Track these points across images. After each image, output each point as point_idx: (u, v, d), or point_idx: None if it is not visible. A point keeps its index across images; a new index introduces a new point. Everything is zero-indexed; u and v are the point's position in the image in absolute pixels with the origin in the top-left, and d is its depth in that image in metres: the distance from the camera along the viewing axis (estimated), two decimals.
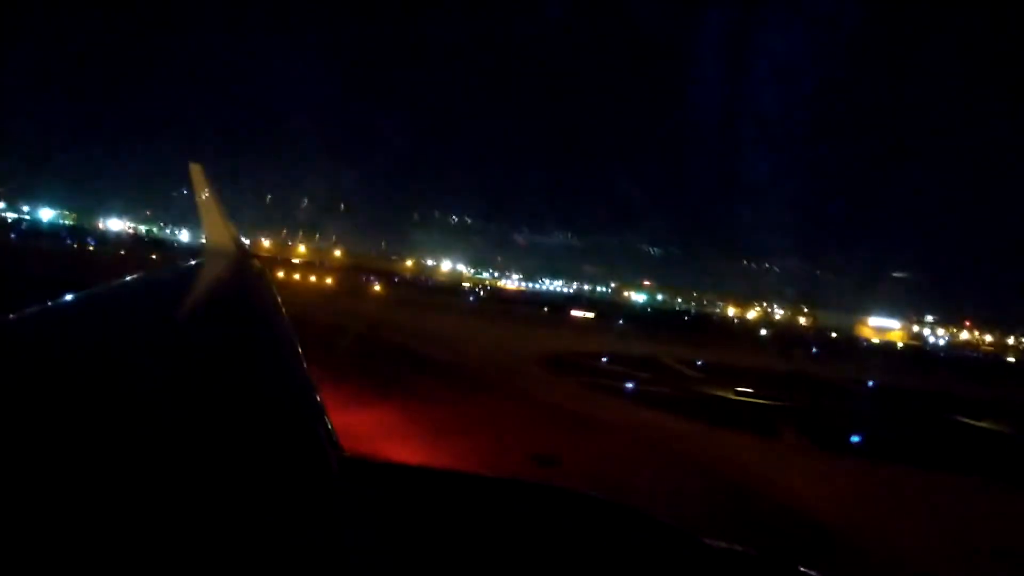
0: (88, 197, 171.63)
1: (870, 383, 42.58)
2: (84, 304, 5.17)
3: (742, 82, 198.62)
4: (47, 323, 4.21)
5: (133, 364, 3.71)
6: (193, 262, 13.32)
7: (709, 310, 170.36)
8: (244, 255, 14.95)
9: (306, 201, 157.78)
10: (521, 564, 2.12)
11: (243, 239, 17.70)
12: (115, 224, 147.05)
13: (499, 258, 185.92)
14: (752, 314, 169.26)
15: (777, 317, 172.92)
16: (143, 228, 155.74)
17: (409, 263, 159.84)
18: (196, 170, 15.24)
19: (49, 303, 4.53)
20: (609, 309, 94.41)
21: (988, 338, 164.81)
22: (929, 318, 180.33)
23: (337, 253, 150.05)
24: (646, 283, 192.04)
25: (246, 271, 12.35)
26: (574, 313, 77.47)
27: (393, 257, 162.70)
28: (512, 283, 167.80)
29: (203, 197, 14.79)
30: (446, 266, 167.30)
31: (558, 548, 2.23)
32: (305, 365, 4.39)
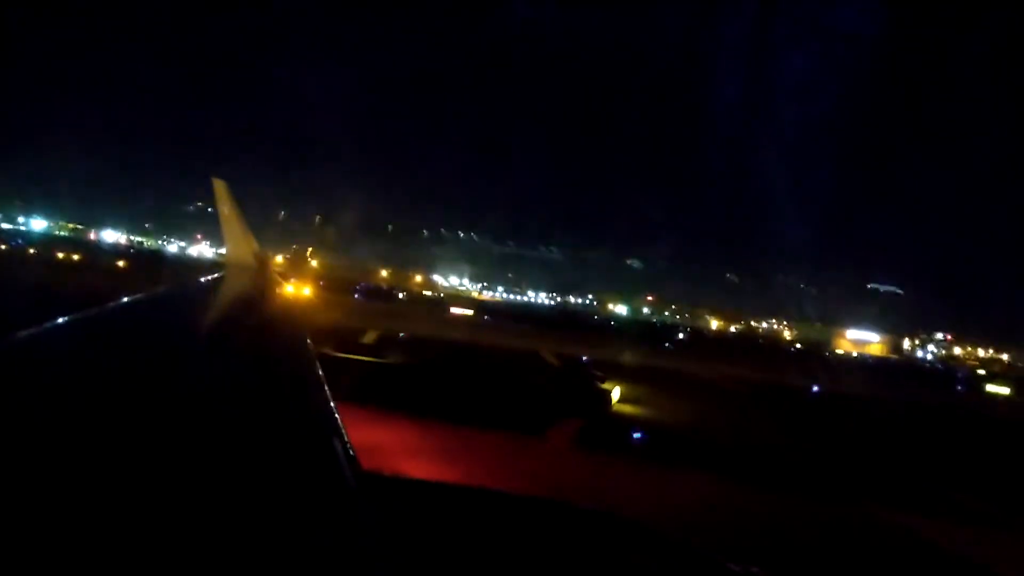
0: (90, 209, 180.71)
1: (584, 359, 44.61)
2: (101, 319, 5.11)
3: (729, 101, 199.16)
4: (67, 338, 4.12)
5: (153, 378, 3.69)
6: (216, 275, 13.37)
7: (684, 323, 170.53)
8: (265, 269, 14.91)
9: (283, 213, 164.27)
10: None
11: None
12: (110, 235, 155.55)
13: (478, 270, 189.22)
14: (734, 327, 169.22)
15: (760, 330, 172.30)
16: (136, 240, 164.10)
17: (384, 273, 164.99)
18: (220, 186, 15.33)
19: (65, 318, 4.34)
20: (515, 311, 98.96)
21: (980, 352, 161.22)
22: (940, 335, 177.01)
23: (314, 263, 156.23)
24: (649, 297, 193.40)
25: (267, 286, 12.35)
26: (453, 310, 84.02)
27: (371, 268, 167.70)
28: (489, 294, 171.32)
29: (225, 212, 14.90)
30: (427, 278, 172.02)
31: (573, 565, 2.30)
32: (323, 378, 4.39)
